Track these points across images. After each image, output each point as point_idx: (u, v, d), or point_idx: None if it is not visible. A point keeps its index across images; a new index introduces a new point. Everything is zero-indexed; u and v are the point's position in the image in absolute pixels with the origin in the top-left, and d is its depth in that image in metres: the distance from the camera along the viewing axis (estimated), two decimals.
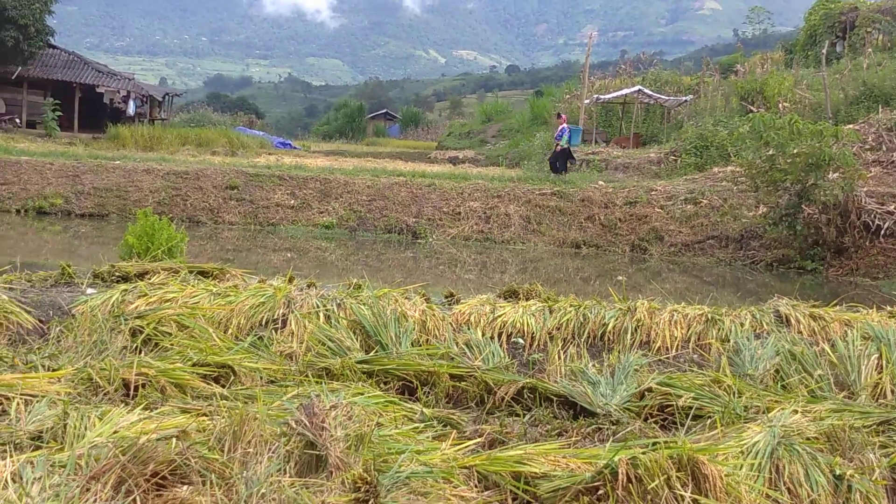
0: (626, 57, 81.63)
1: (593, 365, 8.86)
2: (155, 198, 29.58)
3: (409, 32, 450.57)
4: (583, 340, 9.57)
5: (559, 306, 10.18)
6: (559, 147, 35.33)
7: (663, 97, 47.10)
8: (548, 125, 51.84)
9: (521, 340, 9.55)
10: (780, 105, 39.94)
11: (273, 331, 9.30)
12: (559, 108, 51.26)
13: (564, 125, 35.60)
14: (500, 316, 9.85)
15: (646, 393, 7.92)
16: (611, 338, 9.63)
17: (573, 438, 6.93)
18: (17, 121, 52.80)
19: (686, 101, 47.38)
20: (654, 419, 7.59)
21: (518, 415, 7.62)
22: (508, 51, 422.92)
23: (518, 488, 5.61)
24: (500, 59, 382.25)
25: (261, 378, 8.00)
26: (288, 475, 5.33)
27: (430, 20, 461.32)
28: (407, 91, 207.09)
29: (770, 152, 24.09)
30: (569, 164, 35.92)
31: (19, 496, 4.63)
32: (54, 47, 57.15)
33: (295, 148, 59.40)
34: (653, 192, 29.28)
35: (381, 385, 8.04)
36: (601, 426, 7.23)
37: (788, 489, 5.99)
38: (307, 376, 7.99)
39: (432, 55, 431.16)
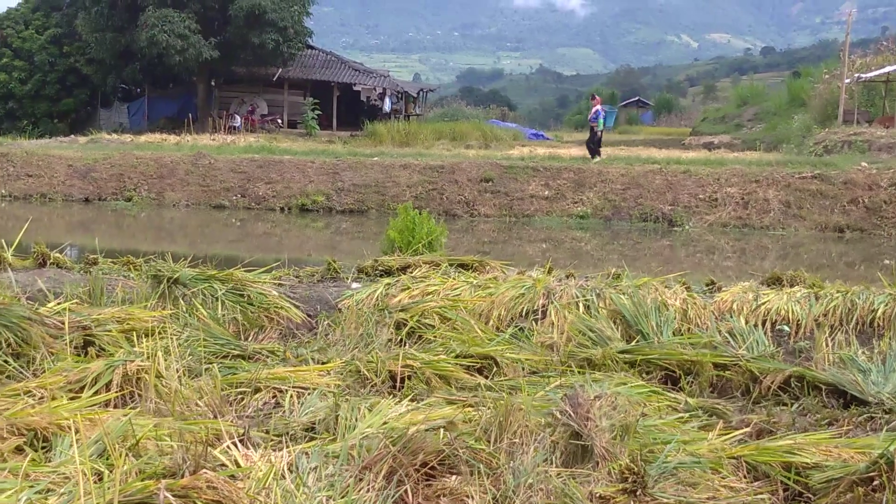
0: (887, 33, 78.58)
1: (863, 352, 8.58)
2: (412, 192, 30.15)
3: (659, 18, 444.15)
4: (851, 327, 9.28)
5: (825, 292, 9.91)
6: (598, 131, 34.98)
7: None
8: (807, 107, 50.32)
9: (786, 328, 9.34)
10: None
11: (533, 321, 9.37)
12: (813, 90, 49.71)
13: (598, 107, 34.92)
14: (763, 303, 9.66)
15: None
16: (881, 324, 9.31)
17: (844, 428, 6.72)
18: (279, 121, 54.63)
19: None
20: None
21: (785, 404, 7.45)
22: (763, 32, 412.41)
23: (789, 479, 5.49)
24: (754, 41, 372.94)
25: (523, 369, 8.06)
26: (554, 465, 5.35)
27: (681, 4, 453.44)
28: (659, 77, 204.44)
29: None
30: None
31: (296, 486, 4.79)
32: (312, 48, 58.76)
33: (548, 139, 59.45)
34: None
35: (644, 375, 7.99)
36: (874, 415, 6.99)
37: None
38: (569, 366, 8.02)
39: (684, 40, 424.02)
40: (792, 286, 10.40)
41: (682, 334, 9.08)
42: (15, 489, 4.42)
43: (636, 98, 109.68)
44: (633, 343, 8.76)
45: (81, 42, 54.53)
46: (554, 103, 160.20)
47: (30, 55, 56.24)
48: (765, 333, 9.16)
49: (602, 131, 35.59)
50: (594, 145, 35.06)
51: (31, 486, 4.52)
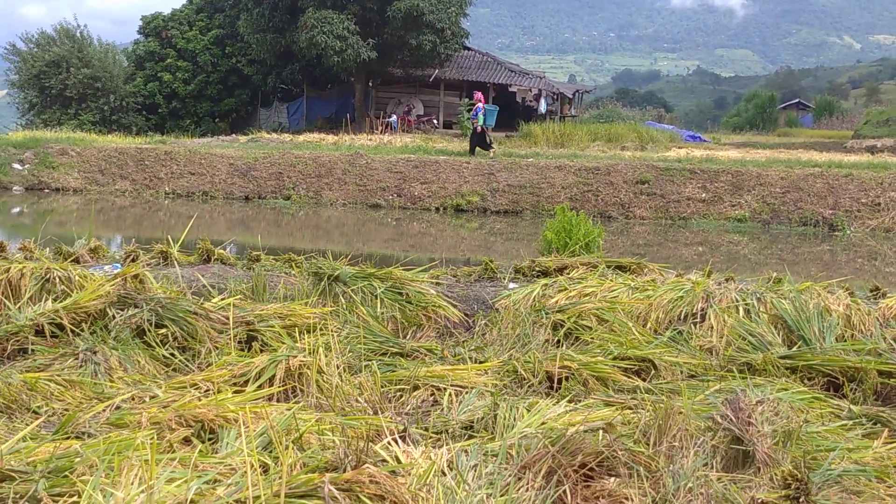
0: None
1: None
2: (567, 193, 30.10)
3: (821, 19, 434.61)
4: None
5: None
6: (477, 128, 34.82)
7: None
8: None
9: None
10: None
11: (692, 325, 9.27)
12: None
13: (479, 104, 34.55)
14: None
15: None
16: None
17: None
18: (435, 121, 55.00)
19: None
20: None
21: None
22: None
23: None
24: None
25: (681, 372, 8.00)
26: (714, 470, 5.30)
27: (843, 5, 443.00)
28: (820, 79, 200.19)
29: None
30: (483, 145, 35.38)
31: (457, 483, 4.83)
32: (468, 49, 58.97)
33: (705, 141, 58.69)
34: None
35: (805, 381, 7.85)
36: None
37: None
38: (729, 371, 7.93)
39: (847, 41, 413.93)
40: None
41: (845, 340, 8.88)
42: (185, 479, 4.54)
43: (796, 100, 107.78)
44: (794, 348, 8.61)
45: (243, 43, 55.88)
46: (711, 105, 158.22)
47: (193, 56, 57.79)
48: None
49: (482, 127, 35.42)
50: (478, 141, 35.38)
51: (200, 477, 4.64)
